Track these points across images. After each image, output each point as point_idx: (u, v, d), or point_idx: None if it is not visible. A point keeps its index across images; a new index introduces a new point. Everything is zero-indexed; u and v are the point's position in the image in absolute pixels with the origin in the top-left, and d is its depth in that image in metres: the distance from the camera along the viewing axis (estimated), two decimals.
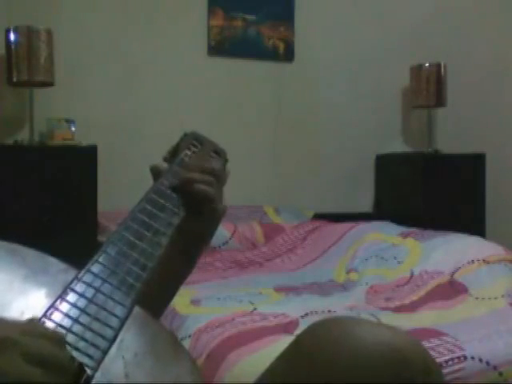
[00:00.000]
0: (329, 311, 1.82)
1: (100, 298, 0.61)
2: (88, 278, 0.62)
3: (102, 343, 0.56)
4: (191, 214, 0.83)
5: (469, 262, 2.15)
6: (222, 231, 2.73)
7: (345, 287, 2.24)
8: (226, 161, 0.96)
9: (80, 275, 0.62)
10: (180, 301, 1.84)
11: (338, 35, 3.44)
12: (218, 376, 1.42)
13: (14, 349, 0.48)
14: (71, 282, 0.61)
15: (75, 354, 0.54)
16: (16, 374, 0.47)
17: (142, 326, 0.62)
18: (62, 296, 0.59)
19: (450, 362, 1.45)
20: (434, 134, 3.54)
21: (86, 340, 0.56)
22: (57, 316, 0.57)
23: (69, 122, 2.72)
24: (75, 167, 2.63)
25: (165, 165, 0.90)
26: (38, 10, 2.84)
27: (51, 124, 2.70)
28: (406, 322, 1.71)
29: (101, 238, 2.55)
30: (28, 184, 2.51)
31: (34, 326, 0.53)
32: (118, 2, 3.05)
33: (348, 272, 2.38)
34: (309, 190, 3.38)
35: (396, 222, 2.82)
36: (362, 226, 2.72)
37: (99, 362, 0.55)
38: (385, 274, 2.26)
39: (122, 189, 2.84)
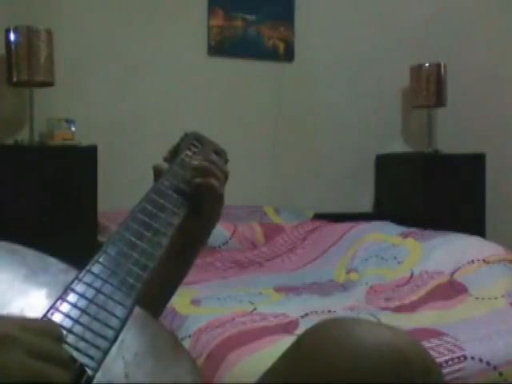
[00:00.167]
0: (329, 311, 1.83)
1: (100, 298, 0.61)
2: (88, 278, 0.62)
3: (103, 344, 0.56)
4: (191, 213, 0.83)
5: (469, 262, 2.15)
6: (222, 231, 2.73)
7: (345, 287, 2.24)
8: (226, 161, 0.96)
9: (80, 275, 0.62)
10: (180, 301, 1.84)
11: (338, 35, 3.44)
12: (218, 376, 1.42)
13: (13, 345, 0.48)
14: (71, 282, 0.61)
15: (76, 354, 0.54)
16: (19, 369, 0.47)
17: (142, 326, 0.62)
18: (62, 296, 0.59)
19: (450, 362, 1.45)
20: (434, 133, 3.54)
21: (86, 340, 0.56)
22: (57, 316, 0.57)
23: (69, 121, 2.72)
24: (75, 167, 2.63)
25: (166, 165, 0.90)
26: (38, 9, 2.84)
27: (51, 124, 2.71)
28: (406, 322, 1.71)
29: (101, 238, 2.55)
30: (28, 184, 2.51)
31: (32, 322, 0.53)
32: (117, 2, 3.04)
33: (348, 272, 2.38)
34: (309, 190, 3.38)
35: (396, 222, 2.82)
36: (362, 225, 2.72)
37: (100, 362, 0.55)
38: (385, 274, 2.26)
39: (121, 189, 2.84)
